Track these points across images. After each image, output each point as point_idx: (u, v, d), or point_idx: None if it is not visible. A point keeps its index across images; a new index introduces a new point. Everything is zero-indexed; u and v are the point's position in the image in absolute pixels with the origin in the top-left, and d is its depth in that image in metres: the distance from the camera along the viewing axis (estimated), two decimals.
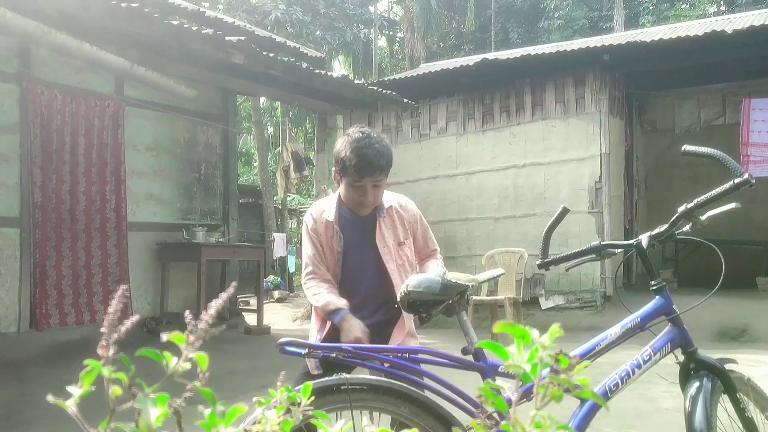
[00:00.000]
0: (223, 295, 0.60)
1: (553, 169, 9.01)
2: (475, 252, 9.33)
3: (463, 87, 9.64)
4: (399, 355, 2.00)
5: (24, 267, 6.70)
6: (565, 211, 2.35)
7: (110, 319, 0.54)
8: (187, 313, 0.60)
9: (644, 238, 2.30)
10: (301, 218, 23.15)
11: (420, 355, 2.01)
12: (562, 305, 8.69)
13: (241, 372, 6.07)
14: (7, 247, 6.61)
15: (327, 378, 1.91)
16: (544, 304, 8.85)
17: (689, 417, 2.05)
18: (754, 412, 2.18)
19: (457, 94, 9.82)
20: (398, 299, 2.14)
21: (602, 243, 2.36)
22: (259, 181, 17.91)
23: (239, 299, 11.07)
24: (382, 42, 27.16)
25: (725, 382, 2.13)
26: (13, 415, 4.73)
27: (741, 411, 2.14)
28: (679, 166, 10.34)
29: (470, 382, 1.89)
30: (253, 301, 9.65)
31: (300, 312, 10.88)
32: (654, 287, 2.25)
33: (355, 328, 2.33)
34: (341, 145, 2.46)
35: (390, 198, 2.63)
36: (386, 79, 10.84)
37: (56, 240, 6.96)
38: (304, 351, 1.92)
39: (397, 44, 27.60)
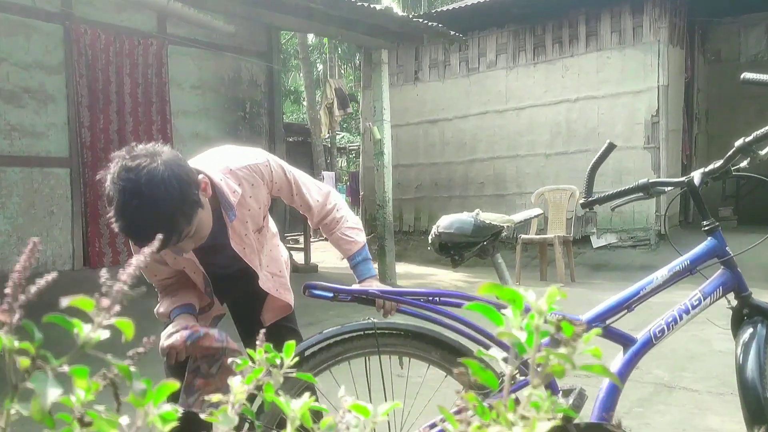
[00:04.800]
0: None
1: (607, 102, 8.64)
2: (525, 190, 9.13)
3: (514, 18, 9.25)
4: (429, 298, 1.92)
5: (75, 206, 6.84)
6: (611, 147, 2.19)
7: (17, 278, 0.45)
8: (103, 272, 0.51)
9: (696, 175, 2.14)
10: (350, 156, 23.05)
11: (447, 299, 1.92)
12: (615, 244, 8.46)
13: None
14: (58, 186, 6.74)
15: (356, 322, 1.86)
16: (596, 242, 8.63)
17: (740, 365, 1.93)
18: None
19: (507, 26, 9.44)
20: (430, 239, 1.98)
21: (651, 180, 2.20)
22: (308, 120, 17.82)
23: (288, 237, 11.17)
24: None
25: None
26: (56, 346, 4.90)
27: None
28: (745, 98, 9.75)
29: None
30: (302, 240, 9.70)
31: None
32: (706, 228, 2.10)
33: (167, 332, 1.91)
34: (107, 189, 1.61)
35: (235, 184, 1.89)
36: (433, 11, 10.47)
37: None
38: (331, 294, 1.86)
39: None
